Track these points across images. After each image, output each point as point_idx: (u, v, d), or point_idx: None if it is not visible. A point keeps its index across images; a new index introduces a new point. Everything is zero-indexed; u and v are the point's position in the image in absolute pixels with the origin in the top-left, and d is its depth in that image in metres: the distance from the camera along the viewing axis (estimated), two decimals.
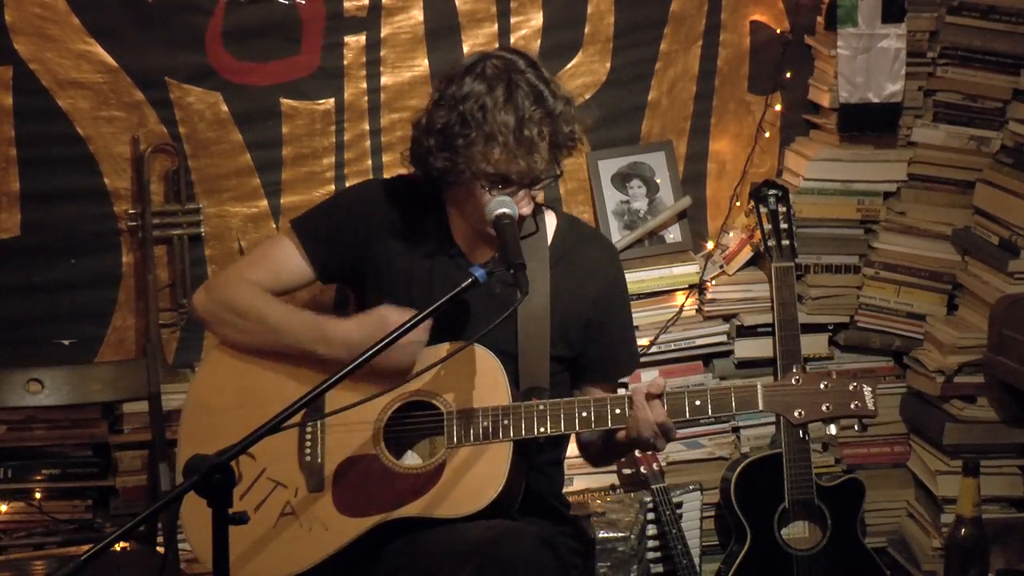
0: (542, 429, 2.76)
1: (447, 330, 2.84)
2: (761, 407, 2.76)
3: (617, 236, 4.18)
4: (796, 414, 2.75)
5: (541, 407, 2.76)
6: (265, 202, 4.05)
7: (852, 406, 2.75)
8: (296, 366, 2.88)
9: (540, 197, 3.00)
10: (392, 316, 2.77)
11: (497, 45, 4.08)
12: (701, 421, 4.19)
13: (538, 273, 2.90)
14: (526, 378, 2.87)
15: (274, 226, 4.05)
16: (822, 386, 2.76)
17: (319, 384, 2.47)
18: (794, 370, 2.80)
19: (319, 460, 2.84)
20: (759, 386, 2.76)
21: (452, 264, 2.91)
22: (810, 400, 2.75)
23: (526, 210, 2.85)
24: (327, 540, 2.79)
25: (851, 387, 2.76)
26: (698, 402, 2.75)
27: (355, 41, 4.02)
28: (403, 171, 4.05)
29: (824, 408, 2.75)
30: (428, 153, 2.81)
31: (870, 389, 2.76)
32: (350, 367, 2.50)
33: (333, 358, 2.80)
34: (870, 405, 2.75)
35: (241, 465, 2.81)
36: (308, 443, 2.86)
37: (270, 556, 2.81)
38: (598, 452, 3.04)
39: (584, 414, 2.75)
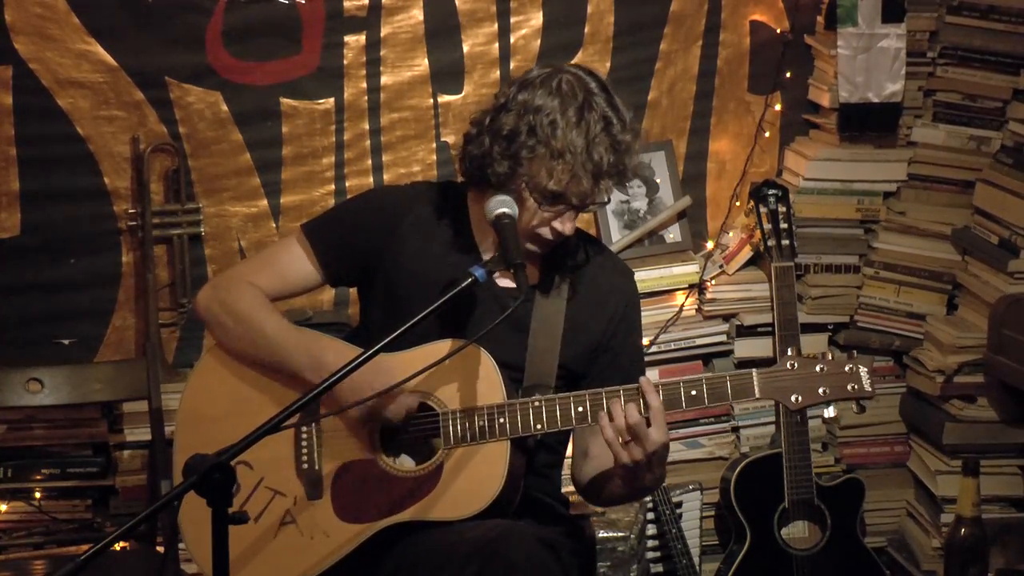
0: (539, 426, 2.74)
1: (449, 329, 2.82)
2: (758, 394, 2.72)
3: (617, 236, 4.18)
4: (793, 399, 2.72)
5: (536, 403, 2.74)
6: (265, 202, 4.05)
7: (849, 388, 2.72)
8: (289, 374, 2.86)
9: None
10: (387, 362, 2.73)
11: (497, 45, 4.09)
12: (700, 421, 4.21)
13: (557, 284, 2.90)
14: (530, 386, 2.86)
15: (274, 226, 4.06)
16: (818, 369, 2.72)
17: (316, 386, 2.47)
18: (789, 354, 2.78)
19: (317, 467, 2.83)
20: (755, 373, 2.73)
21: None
22: (807, 384, 2.72)
23: (570, 230, 2.81)
24: (329, 547, 2.78)
25: (847, 368, 2.73)
26: (694, 392, 2.72)
27: (355, 41, 4.02)
28: (403, 171, 4.10)
29: (821, 392, 2.72)
30: (487, 156, 2.77)
31: (866, 369, 2.72)
32: (347, 369, 2.49)
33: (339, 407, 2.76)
34: (867, 386, 2.72)
35: (239, 475, 2.78)
36: (305, 450, 2.84)
37: (273, 566, 2.80)
38: (596, 490, 2.91)
39: (580, 409, 2.73)
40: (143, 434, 3.81)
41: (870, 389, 2.73)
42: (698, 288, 4.21)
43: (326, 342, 2.84)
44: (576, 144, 2.70)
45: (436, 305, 2.61)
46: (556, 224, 2.79)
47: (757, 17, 4.26)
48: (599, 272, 2.96)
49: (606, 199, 2.83)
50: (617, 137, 2.75)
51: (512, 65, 4.11)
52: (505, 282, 2.84)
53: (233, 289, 2.93)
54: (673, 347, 4.18)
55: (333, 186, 4.08)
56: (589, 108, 2.73)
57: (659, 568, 4.10)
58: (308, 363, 2.81)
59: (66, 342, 3.99)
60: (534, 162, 2.73)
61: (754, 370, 2.74)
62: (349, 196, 4.04)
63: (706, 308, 4.21)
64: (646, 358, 4.04)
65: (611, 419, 2.65)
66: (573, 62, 4.05)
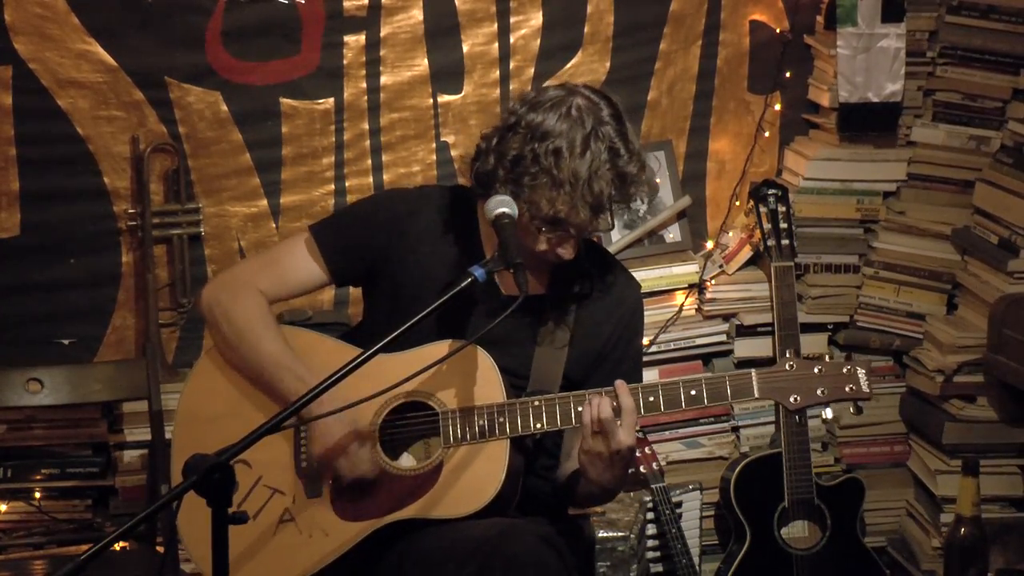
0: (538, 425, 2.76)
1: (450, 331, 2.83)
2: (757, 395, 2.76)
3: (617, 235, 4.18)
4: (792, 400, 2.76)
5: (536, 403, 2.76)
6: (265, 201, 4.05)
7: (847, 389, 2.76)
8: (274, 397, 2.85)
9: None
10: (387, 364, 2.72)
11: (497, 45, 4.09)
12: (700, 421, 4.21)
13: (565, 294, 2.90)
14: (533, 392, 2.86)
15: (274, 226, 4.06)
16: (816, 371, 2.76)
17: (315, 386, 2.46)
18: (787, 355, 2.80)
19: (315, 466, 2.83)
20: (754, 374, 2.76)
21: None
22: (805, 385, 2.75)
23: (569, 255, 2.81)
24: (328, 546, 2.79)
25: (845, 370, 2.77)
26: (693, 392, 2.74)
27: (355, 41, 4.02)
28: (403, 171, 4.10)
29: (819, 392, 2.76)
30: (492, 175, 2.77)
31: (864, 371, 2.77)
32: (345, 370, 2.49)
33: (305, 419, 2.75)
34: (865, 387, 2.76)
35: (237, 473, 2.78)
36: (304, 449, 2.85)
37: (271, 564, 2.80)
38: (571, 487, 2.94)
39: (580, 409, 2.74)
40: (143, 434, 3.81)
41: (868, 391, 2.77)
42: (698, 288, 4.21)
43: (317, 372, 2.75)
44: (578, 175, 2.69)
45: (435, 305, 2.61)
46: (556, 248, 2.79)
47: (757, 17, 4.26)
48: (607, 283, 2.96)
49: (609, 226, 2.82)
50: (622, 169, 2.73)
51: (512, 65, 4.11)
52: (506, 285, 2.85)
53: (238, 295, 2.91)
54: (673, 347, 4.18)
55: (333, 186, 4.08)
56: (596, 137, 2.71)
57: (659, 568, 4.10)
58: (297, 389, 2.75)
59: (66, 342, 3.99)
60: (536, 190, 2.72)
61: (753, 370, 2.76)
62: (349, 196, 4.05)
63: (706, 308, 4.21)
64: (646, 358, 4.07)
65: (590, 408, 2.69)
66: (574, 65, 4.11)
